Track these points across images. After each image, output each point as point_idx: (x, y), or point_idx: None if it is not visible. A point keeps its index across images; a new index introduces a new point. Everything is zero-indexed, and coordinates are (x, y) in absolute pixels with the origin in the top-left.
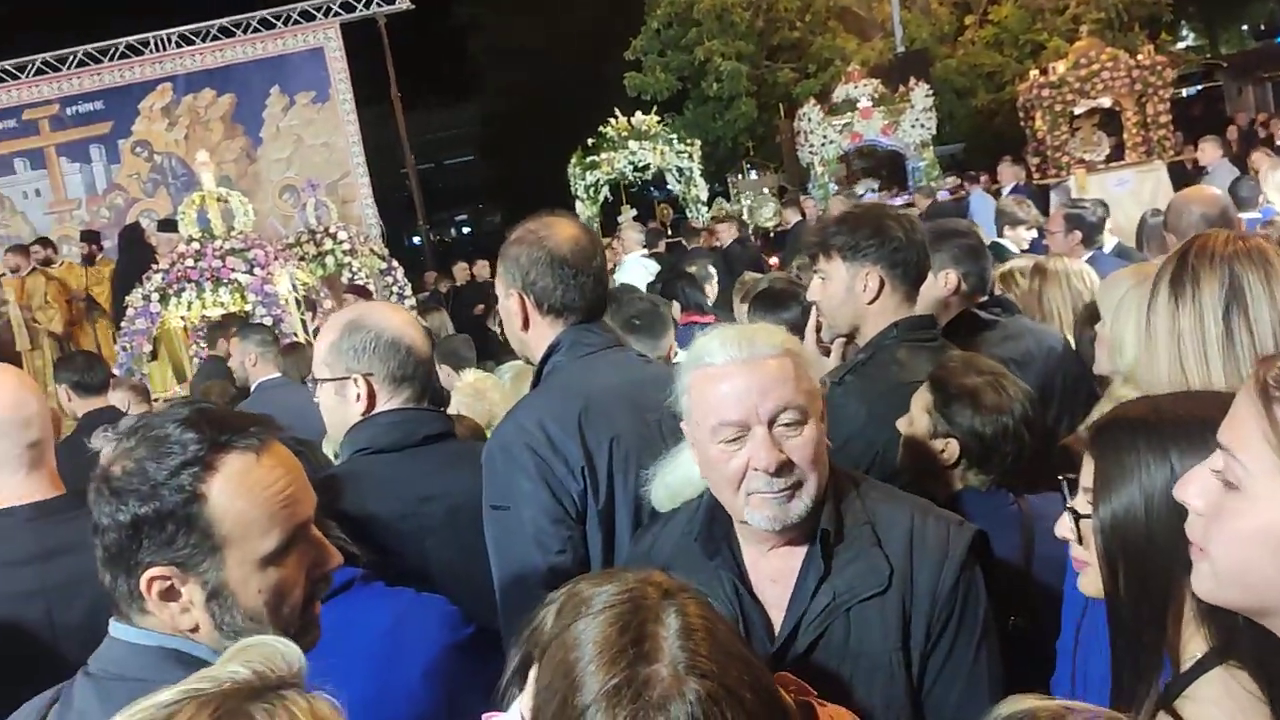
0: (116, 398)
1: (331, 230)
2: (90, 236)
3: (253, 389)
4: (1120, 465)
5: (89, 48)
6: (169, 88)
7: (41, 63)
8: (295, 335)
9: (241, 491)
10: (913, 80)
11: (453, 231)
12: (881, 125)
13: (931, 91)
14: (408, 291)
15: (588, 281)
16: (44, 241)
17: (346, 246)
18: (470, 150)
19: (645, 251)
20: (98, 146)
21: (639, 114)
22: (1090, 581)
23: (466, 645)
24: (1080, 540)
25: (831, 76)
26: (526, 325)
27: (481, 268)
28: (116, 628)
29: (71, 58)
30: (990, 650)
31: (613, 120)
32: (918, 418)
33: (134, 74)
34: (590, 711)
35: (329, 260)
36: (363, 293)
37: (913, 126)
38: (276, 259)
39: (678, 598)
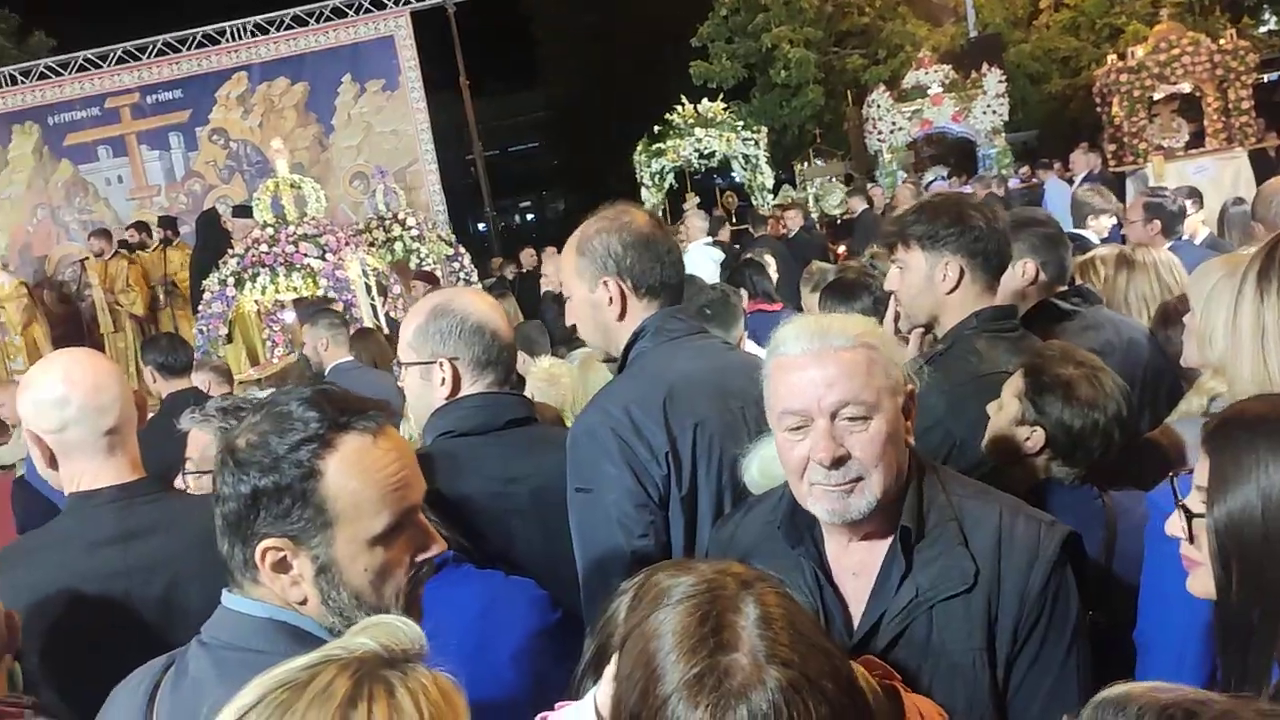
0: (199, 379)
1: (400, 216)
2: (166, 222)
3: (327, 372)
4: (1238, 464)
5: (168, 37)
6: (244, 76)
7: (123, 52)
8: (364, 320)
9: (356, 471)
10: (985, 66)
11: (516, 218)
12: (952, 112)
13: (1004, 77)
14: (474, 277)
15: (675, 262)
16: (139, 225)
17: (415, 233)
18: (534, 137)
19: (709, 239)
20: (176, 134)
21: (706, 101)
22: (1200, 582)
23: (554, 631)
24: (1191, 539)
25: (901, 63)
26: (624, 313)
27: (549, 254)
28: (229, 598)
29: (151, 47)
30: (1081, 653)
31: (679, 107)
32: (1008, 403)
33: (211, 63)
34: (672, 700)
35: (397, 246)
36: (430, 279)
37: (984, 113)
38: (347, 245)
39: (756, 587)
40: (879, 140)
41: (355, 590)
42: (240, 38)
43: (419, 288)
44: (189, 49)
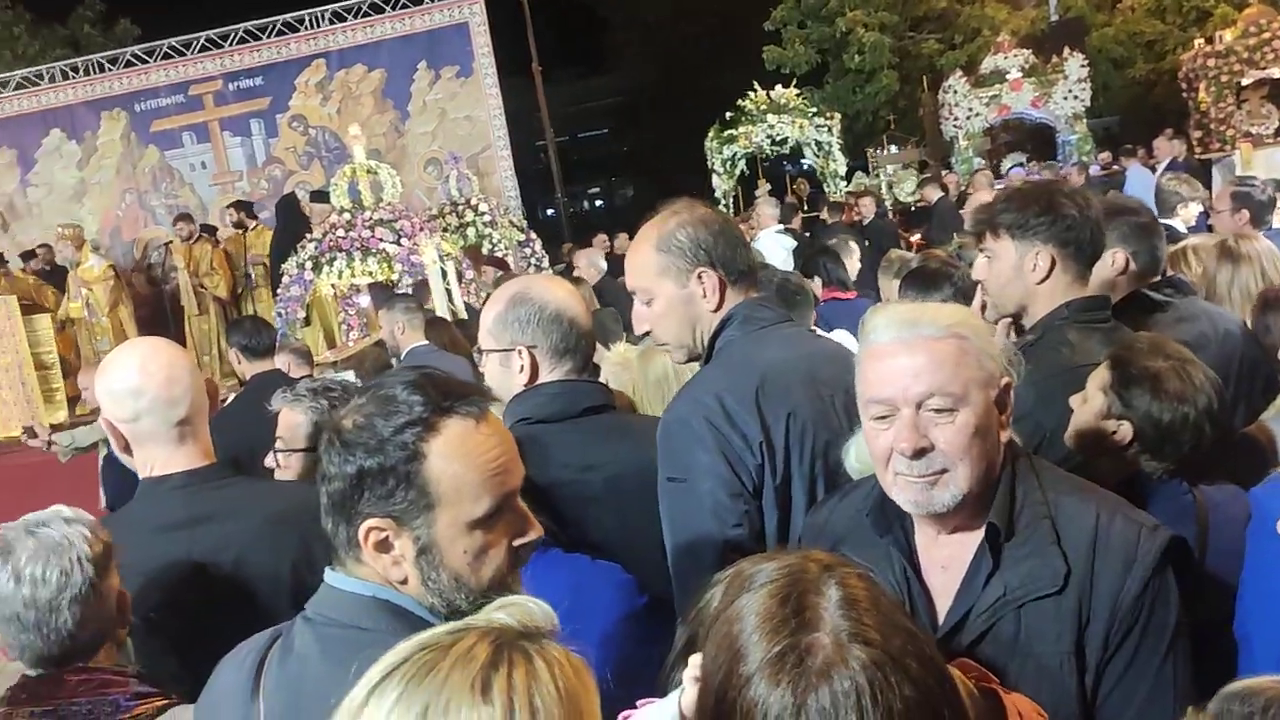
0: (280, 361)
1: (473, 202)
2: (243, 206)
3: (403, 356)
4: None
5: (249, 25)
6: (322, 64)
7: (206, 40)
8: (437, 305)
9: (459, 455)
10: (1067, 50)
11: (584, 204)
12: (1031, 97)
13: (1086, 61)
14: (544, 263)
15: (749, 249)
16: (238, 205)
17: (487, 218)
18: (603, 124)
19: (780, 227)
20: (257, 120)
21: (779, 87)
22: None
23: (641, 615)
24: None
25: (979, 47)
26: (720, 303)
27: (622, 241)
28: (333, 576)
29: (232, 35)
30: (1178, 663)
31: (751, 93)
32: (1093, 395)
33: (290, 50)
34: (755, 680)
35: (470, 232)
36: (501, 264)
37: (1065, 98)
38: (422, 230)
39: (837, 571)
40: (955, 126)
41: (455, 572)
42: (318, 25)
43: (490, 273)
44: (269, 37)
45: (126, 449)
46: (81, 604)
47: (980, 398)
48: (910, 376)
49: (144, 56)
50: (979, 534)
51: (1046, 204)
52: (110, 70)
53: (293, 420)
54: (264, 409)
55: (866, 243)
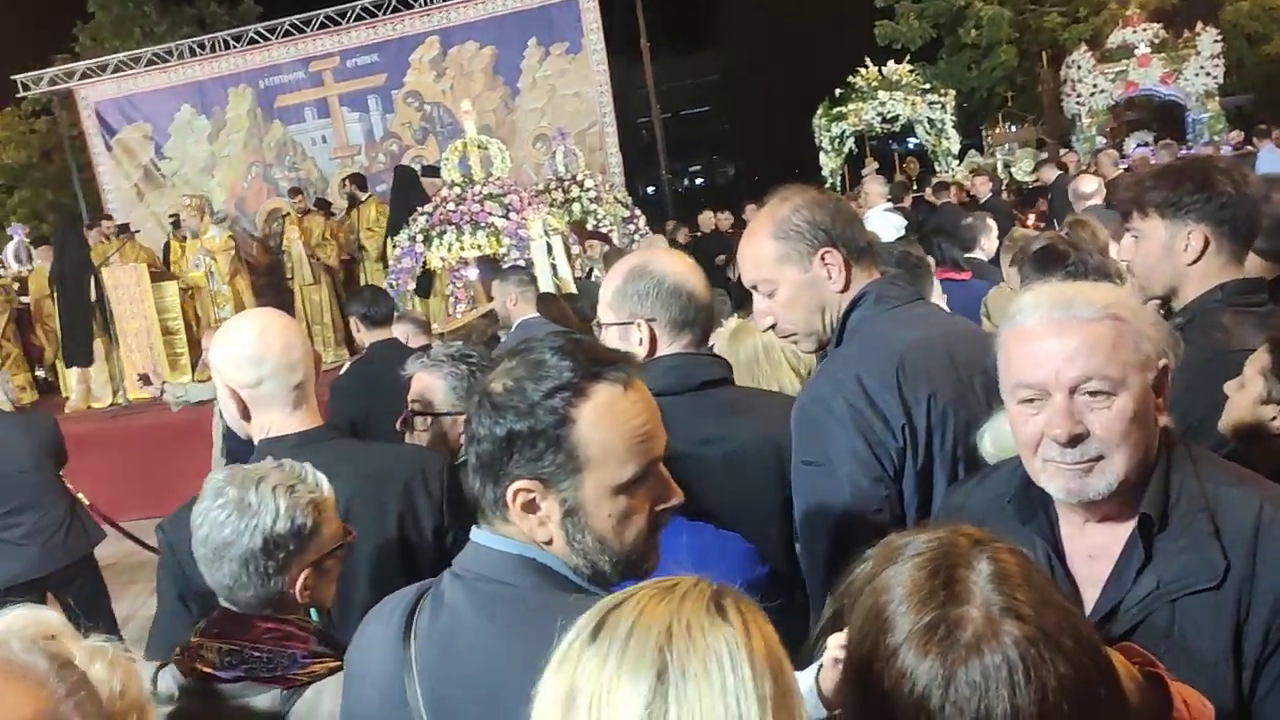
0: (399, 330)
1: (579, 178)
2: (356, 179)
3: (514, 327)
4: None
5: (365, 3)
6: (436, 40)
7: (325, 17)
8: (542, 279)
9: (607, 420)
10: (1199, 24)
11: (685, 182)
12: (1160, 74)
13: (1220, 36)
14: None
15: (863, 225)
16: (352, 177)
17: (592, 194)
18: (706, 101)
19: (889, 205)
20: (374, 96)
21: (891, 63)
22: None
23: (763, 584)
24: None
25: (1104, 21)
26: (847, 283)
27: (725, 219)
28: (479, 534)
29: (350, 12)
30: None
31: (862, 70)
32: (1251, 381)
33: (404, 27)
34: (902, 650)
35: (575, 207)
36: (605, 240)
37: (1196, 75)
38: (530, 204)
39: (989, 546)
40: (1077, 104)
41: (599, 534)
42: (431, 2)
43: (597, 247)
44: (384, 14)
45: (244, 415)
46: (298, 558)
47: (1138, 381)
48: (1063, 360)
49: (266, 34)
50: (1129, 524)
51: (1201, 181)
52: (235, 47)
53: (429, 384)
54: (381, 376)
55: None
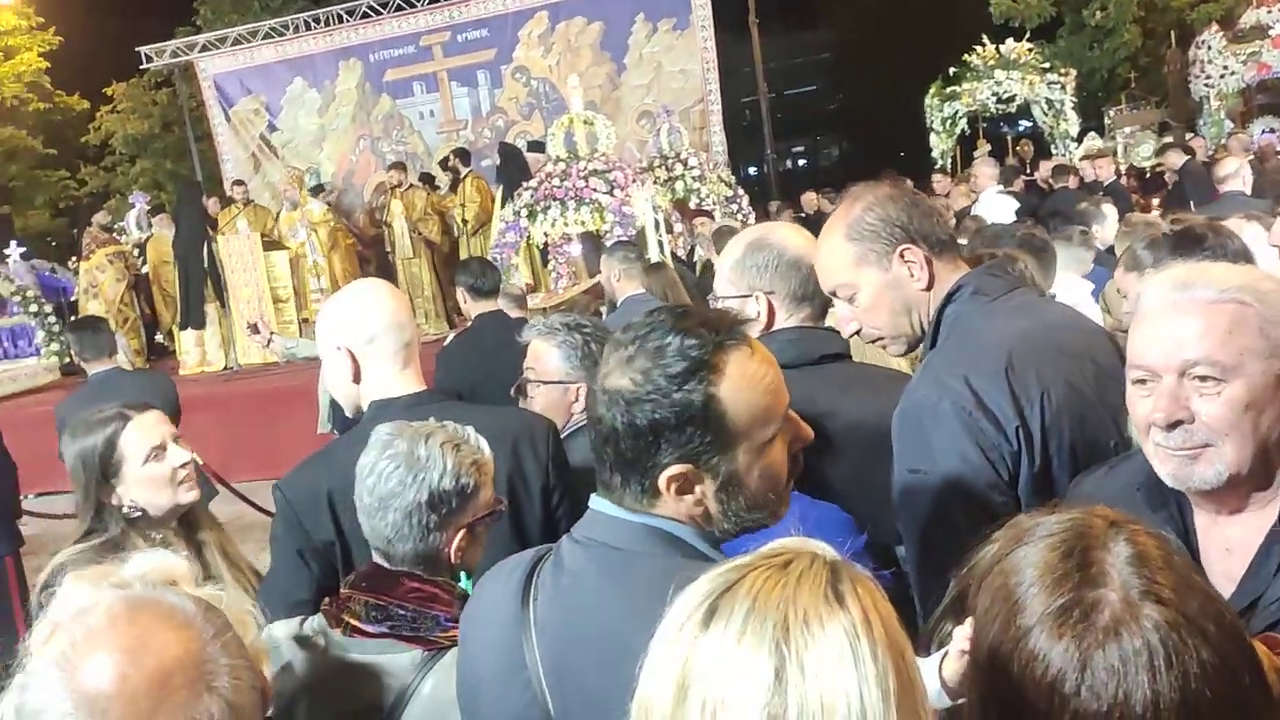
0: (504, 303)
1: (682, 156)
2: (459, 154)
3: (619, 303)
4: None
5: None
6: (544, 16)
7: None
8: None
9: (745, 386)
10: None
11: (788, 163)
12: None
13: None
14: (751, 220)
15: (943, 216)
16: (455, 152)
17: (696, 172)
18: (812, 80)
19: (1000, 188)
20: (483, 71)
21: (1010, 41)
22: None
23: (862, 554)
24: None
25: (1236, 0)
26: (931, 280)
27: (828, 200)
28: (600, 503)
29: None
30: None
31: (978, 48)
32: None
33: (515, 2)
34: (1034, 633)
35: (679, 185)
36: (709, 216)
37: None
38: (634, 181)
39: (1125, 528)
40: (1206, 86)
41: (751, 495)
42: None
43: (708, 224)
44: None
45: (355, 377)
46: (464, 518)
47: (1259, 369)
48: (1173, 342)
49: (378, 8)
50: (1270, 518)
51: None
52: (348, 21)
53: (542, 351)
54: (486, 347)
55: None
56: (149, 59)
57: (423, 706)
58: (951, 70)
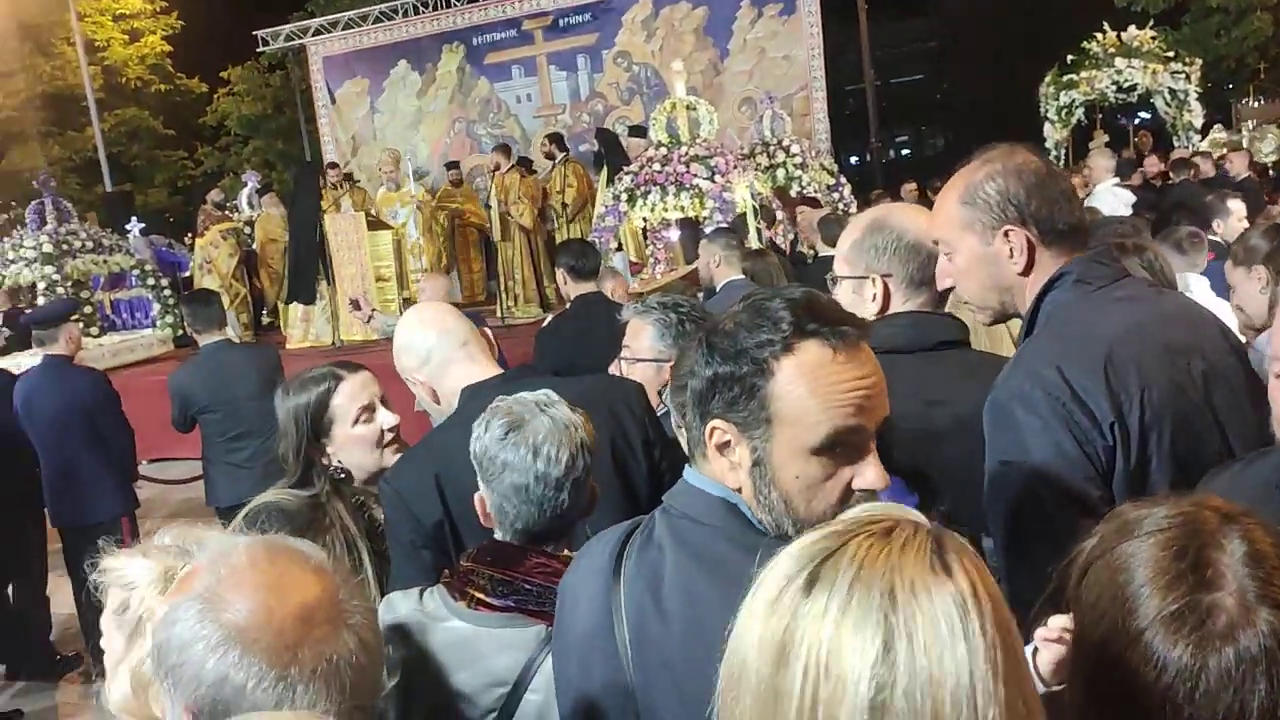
0: (605, 286)
1: (785, 143)
2: (555, 139)
3: (718, 289)
4: None
5: None
6: (649, 1)
7: None
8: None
9: (808, 378)
10: None
11: (891, 153)
12: None
13: None
14: (853, 209)
15: (1077, 202)
16: (551, 137)
17: (798, 160)
18: (918, 69)
19: (1116, 181)
20: (584, 56)
21: (1132, 28)
22: None
23: None
24: None
25: None
26: (1030, 265)
27: (932, 191)
28: (689, 473)
29: None
30: None
31: (1098, 35)
32: None
33: None
34: (1147, 635)
35: (780, 173)
36: (814, 204)
37: None
38: (735, 168)
39: (1240, 522)
40: None
41: (785, 493)
42: None
43: (809, 213)
44: None
45: (436, 399)
46: (576, 489)
47: None
48: None
49: None
50: None
51: None
52: (456, 6)
53: (637, 329)
54: (585, 328)
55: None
56: (265, 43)
57: (548, 681)
58: (1069, 58)
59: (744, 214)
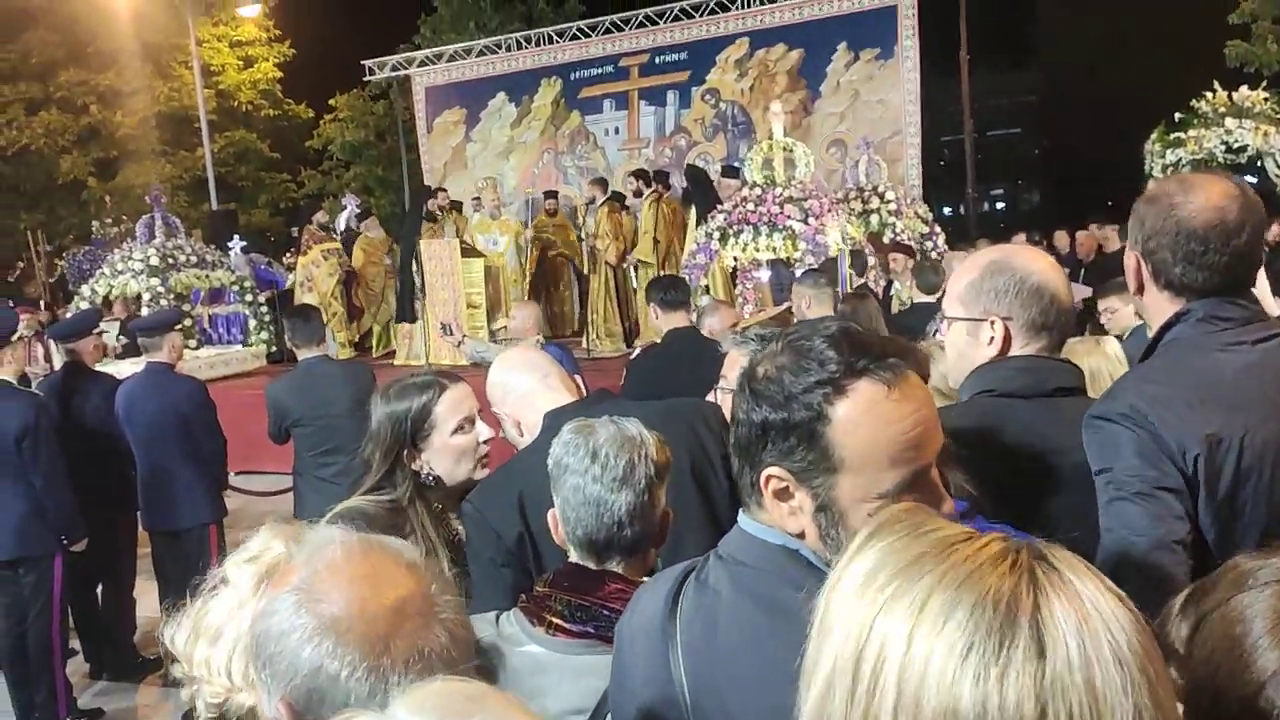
0: (714, 317)
1: (880, 189)
2: (641, 175)
3: None
4: None
5: (684, 4)
6: (746, 42)
7: (643, 17)
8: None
9: (866, 422)
10: None
11: (985, 205)
12: None
13: None
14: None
15: (1220, 260)
16: (637, 173)
17: (893, 206)
18: (1017, 122)
19: None
20: (674, 91)
21: (1244, 88)
22: None
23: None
24: None
25: None
26: (1141, 289)
27: (1034, 244)
28: (744, 520)
29: (667, 13)
30: None
31: (1208, 94)
32: None
33: (718, 29)
34: (1269, 687)
35: (873, 218)
36: (908, 251)
37: None
38: (829, 211)
39: None
40: None
41: (854, 532)
42: (749, 6)
43: (901, 260)
44: (700, 15)
45: (521, 431)
46: (635, 499)
47: None
48: None
49: (587, 31)
50: None
51: None
52: (558, 42)
53: (733, 360)
54: (674, 359)
55: None
56: (371, 72)
57: None
58: (1177, 116)
59: (835, 257)
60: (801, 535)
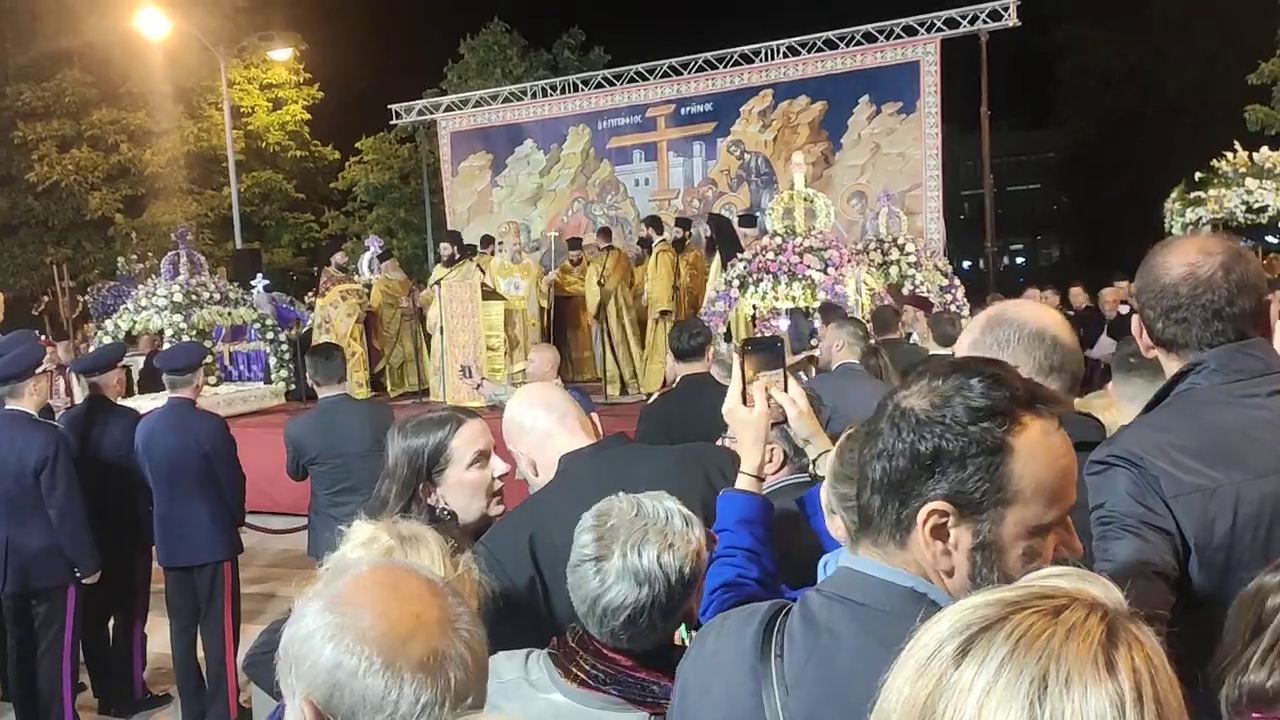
0: (716, 370)
1: (900, 241)
2: (652, 223)
3: (834, 368)
4: None
5: (708, 55)
6: (769, 94)
7: (667, 67)
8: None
9: (1043, 454)
10: None
11: (1004, 259)
12: None
13: None
14: (965, 312)
15: (1196, 314)
16: (649, 220)
17: (912, 258)
18: (1036, 178)
19: None
20: (700, 143)
21: (1265, 149)
22: None
23: None
24: None
25: None
26: (1150, 347)
27: (1051, 299)
28: (855, 559)
29: (691, 64)
30: None
31: (1229, 154)
32: None
33: (742, 80)
34: None
35: (893, 270)
36: (924, 304)
37: None
38: (849, 261)
39: None
40: None
41: (1006, 573)
42: (773, 58)
43: (911, 312)
44: (725, 67)
45: (536, 471)
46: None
47: None
48: None
49: (612, 80)
50: None
51: None
52: (583, 90)
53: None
54: (687, 405)
55: None
56: (398, 115)
57: None
58: (1197, 175)
59: (856, 307)
60: (950, 574)
